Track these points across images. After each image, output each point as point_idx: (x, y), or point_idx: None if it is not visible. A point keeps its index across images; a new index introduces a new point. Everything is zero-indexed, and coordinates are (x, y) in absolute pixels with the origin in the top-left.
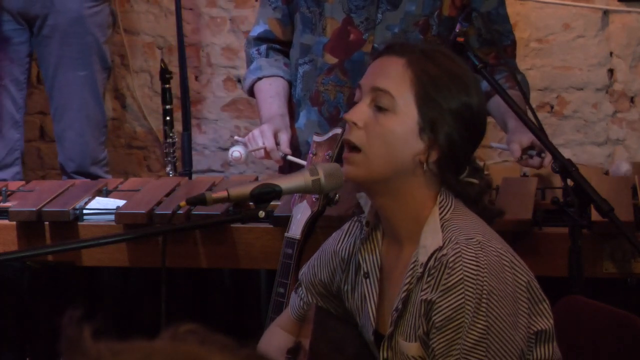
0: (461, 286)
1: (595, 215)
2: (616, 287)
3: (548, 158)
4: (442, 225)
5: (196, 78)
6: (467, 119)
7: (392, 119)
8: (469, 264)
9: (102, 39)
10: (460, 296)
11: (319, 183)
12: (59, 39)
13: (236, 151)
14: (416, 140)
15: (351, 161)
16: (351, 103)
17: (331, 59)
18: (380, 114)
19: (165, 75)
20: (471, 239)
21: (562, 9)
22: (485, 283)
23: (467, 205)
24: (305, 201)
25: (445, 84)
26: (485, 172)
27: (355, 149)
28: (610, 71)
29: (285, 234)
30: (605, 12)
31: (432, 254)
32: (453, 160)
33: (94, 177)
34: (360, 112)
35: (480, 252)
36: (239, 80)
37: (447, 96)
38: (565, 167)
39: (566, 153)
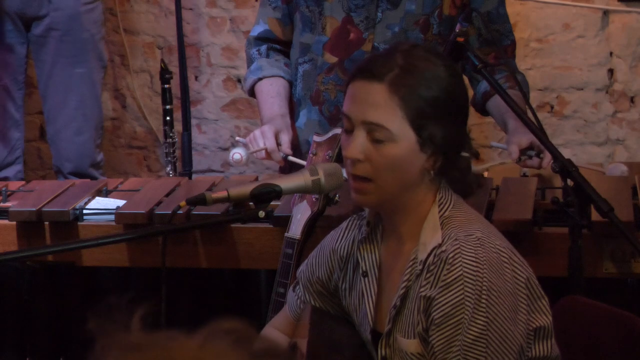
0: (460, 282)
1: (595, 215)
2: (616, 287)
3: (547, 158)
4: (441, 223)
5: (196, 78)
6: (454, 108)
7: (392, 148)
8: (468, 260)
9: (98, 36)
10: (460, 292)
11: (319, 183)
12: (56, 38)
13: (237, 153)
14: (419, 156)
15: (364, 191)
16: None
17: (331, 58)
18: (380, 145)
19: (165, 75)
20: (470, 235)
21: (562, 9)
22: (484, 279)
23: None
24: (305, 201)
25: (430, 89)
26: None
27: (364, 179)
28: (610, 71)
29: (285, 234)
30: (605, 12)
31: (431, 251)
32: (455, 152)
33: (91, 178)
34: (359, 147)
35: (480, 249)
36: (239, 80)
37: (434, 101)
38: (565, 167)
39: (566, 153)
